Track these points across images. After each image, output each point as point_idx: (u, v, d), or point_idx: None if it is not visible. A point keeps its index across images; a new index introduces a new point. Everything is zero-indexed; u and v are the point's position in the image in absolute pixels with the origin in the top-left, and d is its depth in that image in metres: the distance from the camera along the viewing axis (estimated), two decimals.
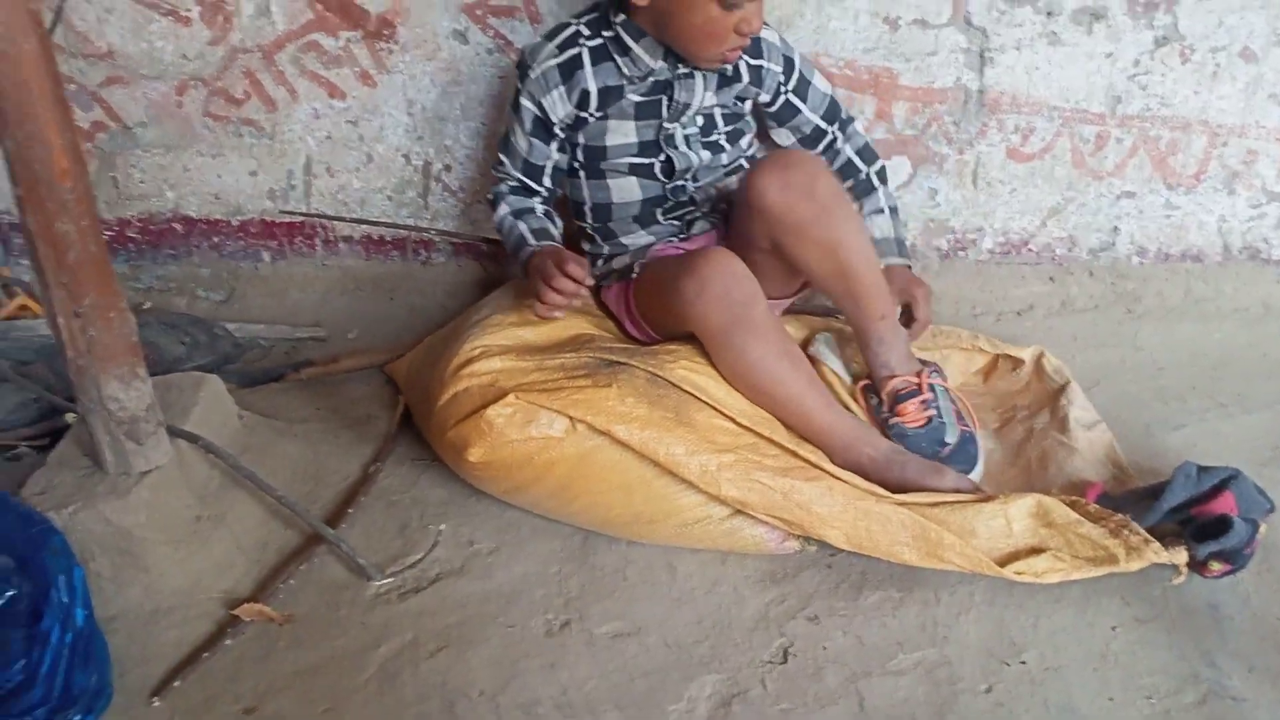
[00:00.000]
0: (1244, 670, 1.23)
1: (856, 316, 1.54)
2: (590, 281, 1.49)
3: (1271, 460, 1.60)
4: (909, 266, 1.73)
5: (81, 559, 1.21)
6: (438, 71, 1.89)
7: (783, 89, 1.67)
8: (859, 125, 1.78)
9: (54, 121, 1.13)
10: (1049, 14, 1.78)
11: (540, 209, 1.68)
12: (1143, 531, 1.30)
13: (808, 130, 1.72)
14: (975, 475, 1.52)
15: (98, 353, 1.24)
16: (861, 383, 1.61)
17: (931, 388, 1.54)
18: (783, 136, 1.75)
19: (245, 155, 1.99)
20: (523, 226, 1.63)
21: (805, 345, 1.68)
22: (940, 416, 1.52)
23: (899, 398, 1.53)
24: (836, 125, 1.73)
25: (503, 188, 1.68)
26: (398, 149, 1.97)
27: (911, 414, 1.52)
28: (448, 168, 1.98)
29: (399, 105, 1.92)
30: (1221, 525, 1.30)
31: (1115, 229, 1.96)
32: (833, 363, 1.64)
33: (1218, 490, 1.36)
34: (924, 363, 1.58)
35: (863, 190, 1.74)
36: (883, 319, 1.54)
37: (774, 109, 1.69)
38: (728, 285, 1.43)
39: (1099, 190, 1.92)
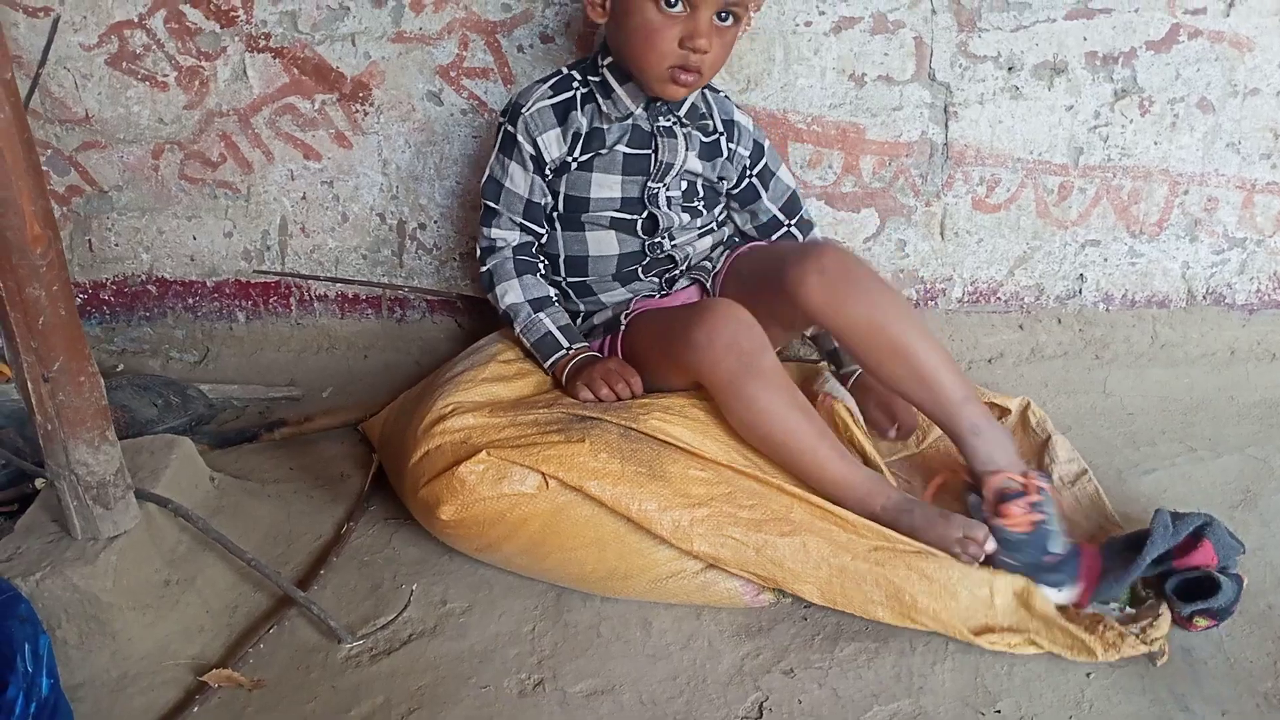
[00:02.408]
0: (1218, 715, 1.23)
1: (935, 405, 1.45)
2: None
3: (1242, 503, 1.61)
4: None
5: (48, 626, 1.19)
6: (412, 132, 1.91)
7: (748, 172, 1.71)
8: (817, 232, 1.81)
9: (27, 189, 1.14)
10: (1010, 69, 1.82)
11: (554, 293, 1.68)
12: (1118, 626, 1.29)
13: (764, 219, 1.75)
14: (1070, 595, 1.37)
15: (66, 417, 1.24)
16: (967, 481, 1.50)
17: (1040, 490, 1.40)
18: (743, 220, 1.78)
19: (220, 217, 2.00)
20: (548, 323, 1.63)
21: (814, 384, 1.69)
22: (1048, 523, 1.38)
23: (1004, 497, 1.39)
24: (795, 222, 1.77)
25: (504, 255, 1.65)
26: (373, 208, 1.98)
27: (1016, 517, 1.38)
28: (422, 226, 1.99)
29: (374, 165, 1.94)
30: (1209, 584, 1.32)
31: (1081, 277, 1.98)
32: (846, 399, 1.64)
33: (1195, 539, 1.37)
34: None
35: None
36: (966, 401, 1.43)
37: (738, 191, 1.73)
38: (736, 334, 1.42)
39: (1064, 239, 1.95)
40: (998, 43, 1.80)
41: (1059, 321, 2.01)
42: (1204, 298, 2.01)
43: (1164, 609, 1.33)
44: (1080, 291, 2.00)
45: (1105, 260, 1.97)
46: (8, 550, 1.29)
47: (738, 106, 1.71)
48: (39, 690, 1.11)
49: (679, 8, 1.44)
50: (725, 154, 1.67)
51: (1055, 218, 1.93)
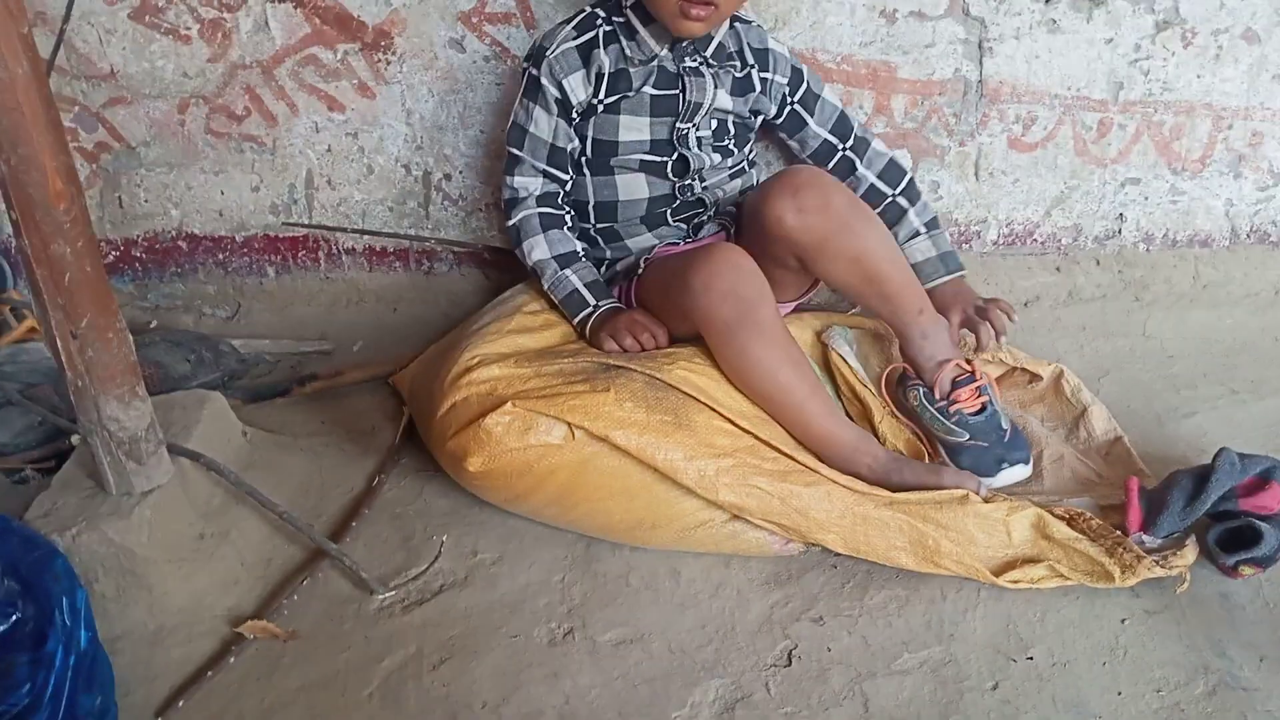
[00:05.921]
0: (1255, 660, 1.21)
1: (893, 317, 1.54)
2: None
3: None
4: (962, 276, 1.69)
5: (85, 580, 1.21)
6: (435, 81, 1.89)
7: (789, 100, 1.67)
8: (879, 144, 1.73)
9: (48, 145, 1.14)
10: (1047, 1, 1.76)
11: (580, 247, 1.65)
12: (1136, 549, 1.29)
13: (816, 144, 1.72)
14: (1027, 470, 1.50)
15: (96, 374, 1.25)
16: (891, 368, 1.59)
17: (983, 373, 1.52)
18: (796, 151, 1.74)
19: (247, 171, 1.99)
20: (575, 280, 1.61)
21: (820, 334, 1.67)
22: (994, 402, 1.51)
23: (956, 384, 1.51)
24: (850, 145, 1.71)
25: (528, 207, 1.64)
26: (398, 159, 1.97)
27: (968, 400, 1.50)
28: (448, 176, 1.98)
29: (398, 116, 1.93)
30: (1251, 534, 1.30)
31: (1121, 216, 1.93)
32: (844, 350, 1.62)
33: (1264, 481, 1.35)
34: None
35: (894, 216, 1.70)
36: (920, 313, 1.52)
37: (781, 121, 1.69)
38: (734, 281, 1.42)
39: (1103, 178, 1.90)
40: None
41: (1097, 263, 1.97)
42: (1248, 236, 1.95)
43: (1191, 541, 1.32)
44: (1120, 231, 1.95)
45: (1145, 199, 1.92)
46: (44, 506, 1.31)
47: (772, 36, 1.68)
48: (78, 643, 1.13)
49: None
50: (759, 87, 1.64)
51: (1094, 156, 1.88)
